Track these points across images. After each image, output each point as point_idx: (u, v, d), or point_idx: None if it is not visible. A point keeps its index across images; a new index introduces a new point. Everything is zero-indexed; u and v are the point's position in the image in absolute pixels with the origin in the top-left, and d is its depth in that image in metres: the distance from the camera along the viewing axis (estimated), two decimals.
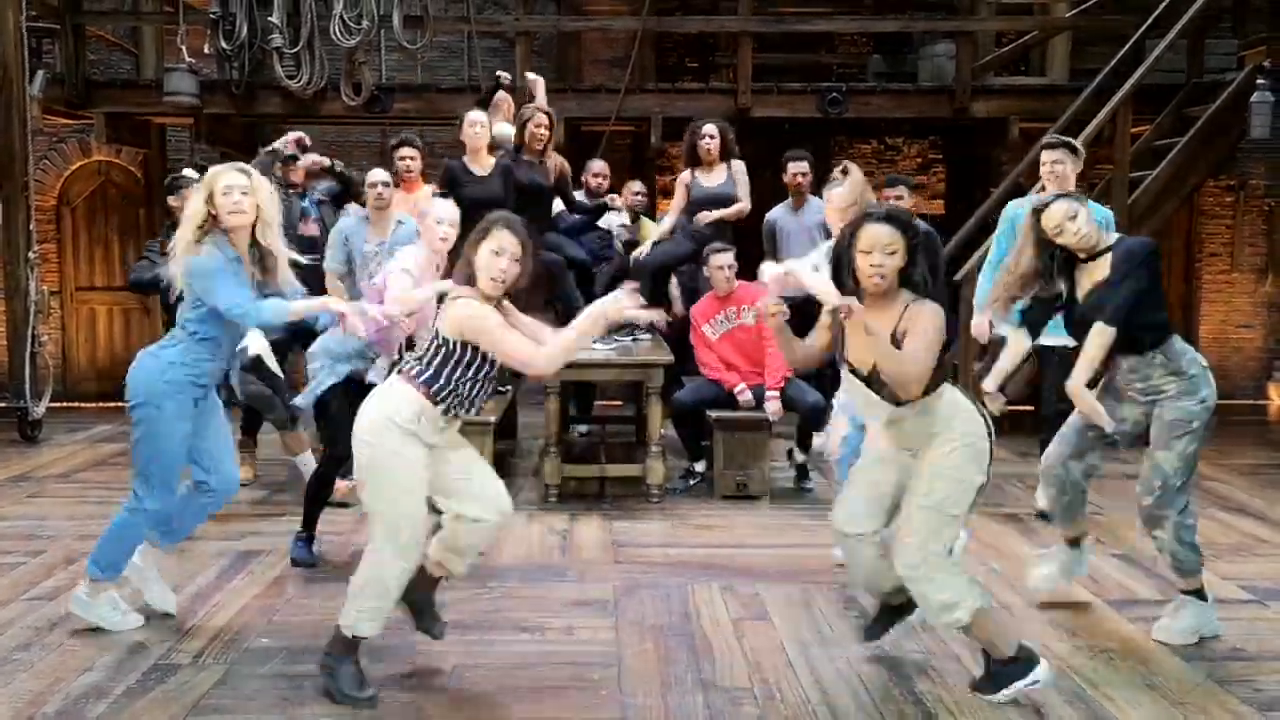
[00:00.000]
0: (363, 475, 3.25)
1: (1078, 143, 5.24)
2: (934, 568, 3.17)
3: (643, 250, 6.52)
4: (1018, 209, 5.44)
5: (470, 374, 3.25)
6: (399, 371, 3.33)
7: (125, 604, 3.90)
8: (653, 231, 7.09)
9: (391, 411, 3.20)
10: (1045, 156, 5.18)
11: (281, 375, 5.50)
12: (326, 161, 6.09)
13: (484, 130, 5.99)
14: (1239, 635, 3.86)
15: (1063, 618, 4.03)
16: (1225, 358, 9.93)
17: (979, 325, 5.57)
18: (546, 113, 6.30)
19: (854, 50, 11.14)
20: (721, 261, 5.73)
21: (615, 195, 7.05)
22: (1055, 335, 5.24)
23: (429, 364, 3.25)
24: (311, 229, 6.00)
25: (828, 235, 6.39)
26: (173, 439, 3.70)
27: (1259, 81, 7.34)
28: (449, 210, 4.30)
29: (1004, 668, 3.23)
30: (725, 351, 5.87)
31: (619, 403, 8.25)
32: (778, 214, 6.55)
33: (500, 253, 3.21)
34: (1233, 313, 9.93)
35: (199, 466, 3.86)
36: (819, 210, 6.40)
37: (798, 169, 6.40)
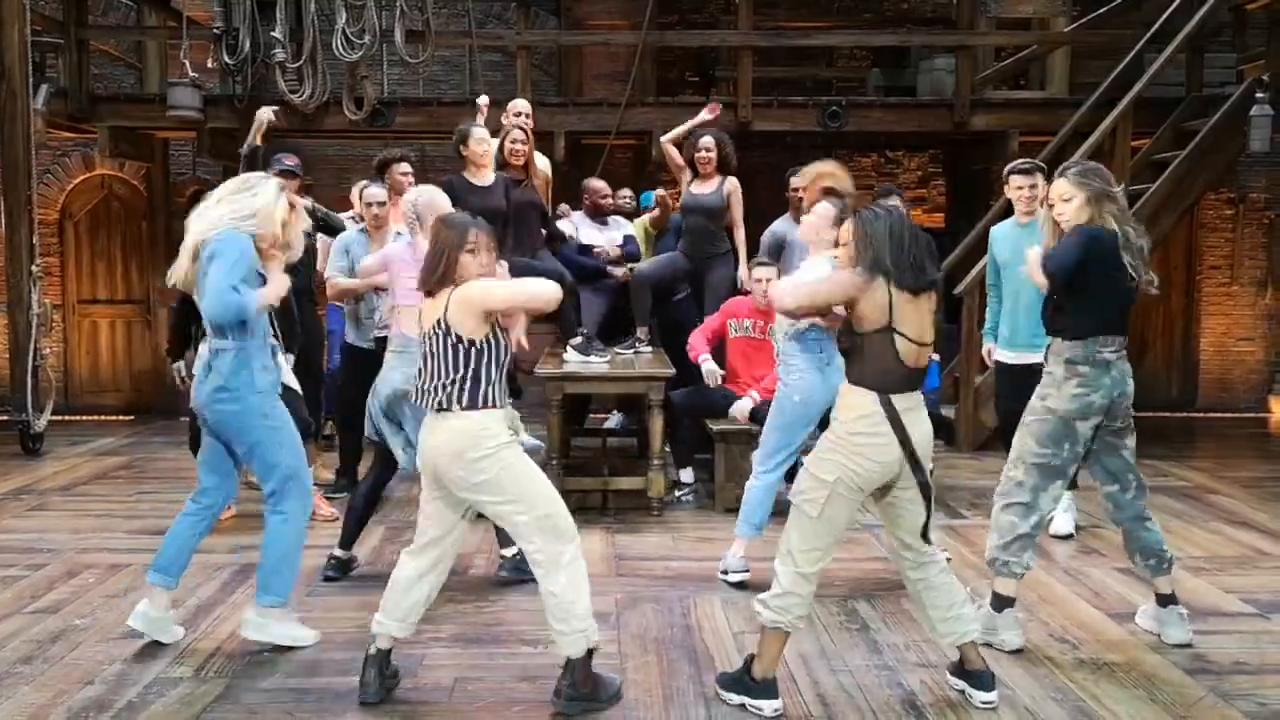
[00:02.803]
0: (508, 498, 3.26)
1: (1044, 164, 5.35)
2: (781, 563, 3.30)
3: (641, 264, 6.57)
4: (992, 237, 5.49)
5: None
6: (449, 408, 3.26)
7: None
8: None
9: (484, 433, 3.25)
10: (1019, 181, 5.21)
11: (299, 388, 5.53)
12: (309, 204, 6.09)
13: (490, 147, 6.02)
14: (1242, 648, 3.86)
15: (1065, 630, 4.03)
16: (1226, 371, 9.94)
17: (985, 350, 5.64)
18: (522, 128, 6.30)
19: (854, 64, 11.19)
20: (760, 275, 5.69)
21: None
22: (1008, 352, 5.28)
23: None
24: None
25: None
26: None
27: (1258, 95, 7.36)
28: (447, 202, 4.32)
29: (751, 680, 3.33)
30: (733, 353, 5.88)
31: (605, 415, 8.22)
32: (783, 227, 6.55)
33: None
34: (1233, 326, 9.95)
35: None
36: None
37: (799, 184, 6.40)
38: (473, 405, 3.23)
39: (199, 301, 3.72)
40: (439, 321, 3.24)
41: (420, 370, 3.34)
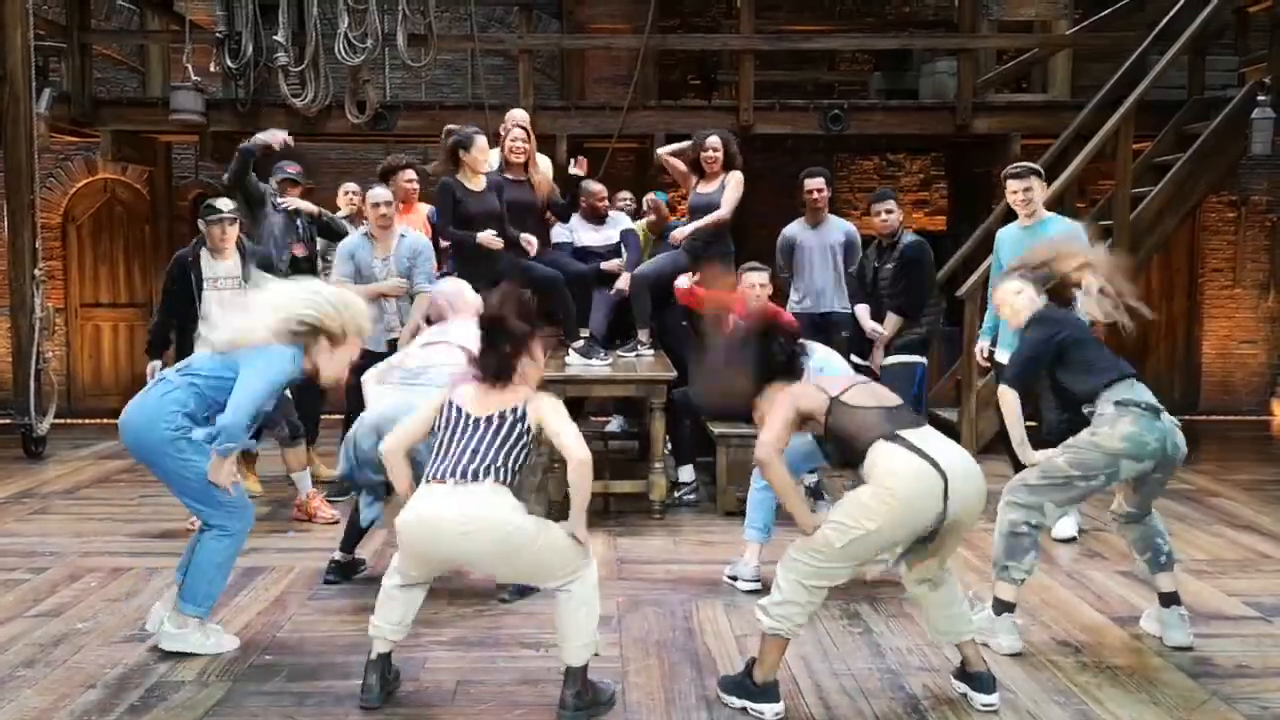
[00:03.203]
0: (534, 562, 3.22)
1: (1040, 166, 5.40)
2: (784, 568, 3.27)
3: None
4: (999, 239, 5.51)
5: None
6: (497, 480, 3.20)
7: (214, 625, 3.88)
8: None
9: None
10: (1014, 185, 5.23)
11: (288, 393, 5.53)
12: (315, 210, 6.23)
13: (489, 158, 6.08)
14: (1244, 651, 3.85)
15: (1067, 633, 4.02)
16: (1229, 373, 9.93)
17: (978, 348, 5.65)
18: (522, 128, 6.35)
19: (856, 67, 11.21)
20: (753, 280, 5.67)
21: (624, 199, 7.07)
22: (1009, 353, 5.27)
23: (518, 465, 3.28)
24: (300, 250, 6.14)
25: (846, 253, 6.43)
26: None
27: (1259, 98, 7.36)
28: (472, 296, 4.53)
29: (752, 684, 3.31)
30: None
31: (604, 419, 8.22)
32: (795, 230, 6.56)
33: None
34: (1236, 328, 9.94)
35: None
36: (839, 228, 6.43)
37: (814, 185, 6.39)
38: (507, 482, 3.22)
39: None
40: (515, 409, 3.26)
41: (457, 442, 3.26)
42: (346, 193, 6.85)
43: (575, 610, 3.24)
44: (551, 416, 3.28)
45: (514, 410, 3.27)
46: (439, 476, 3.20)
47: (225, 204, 5.48)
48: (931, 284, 6.13)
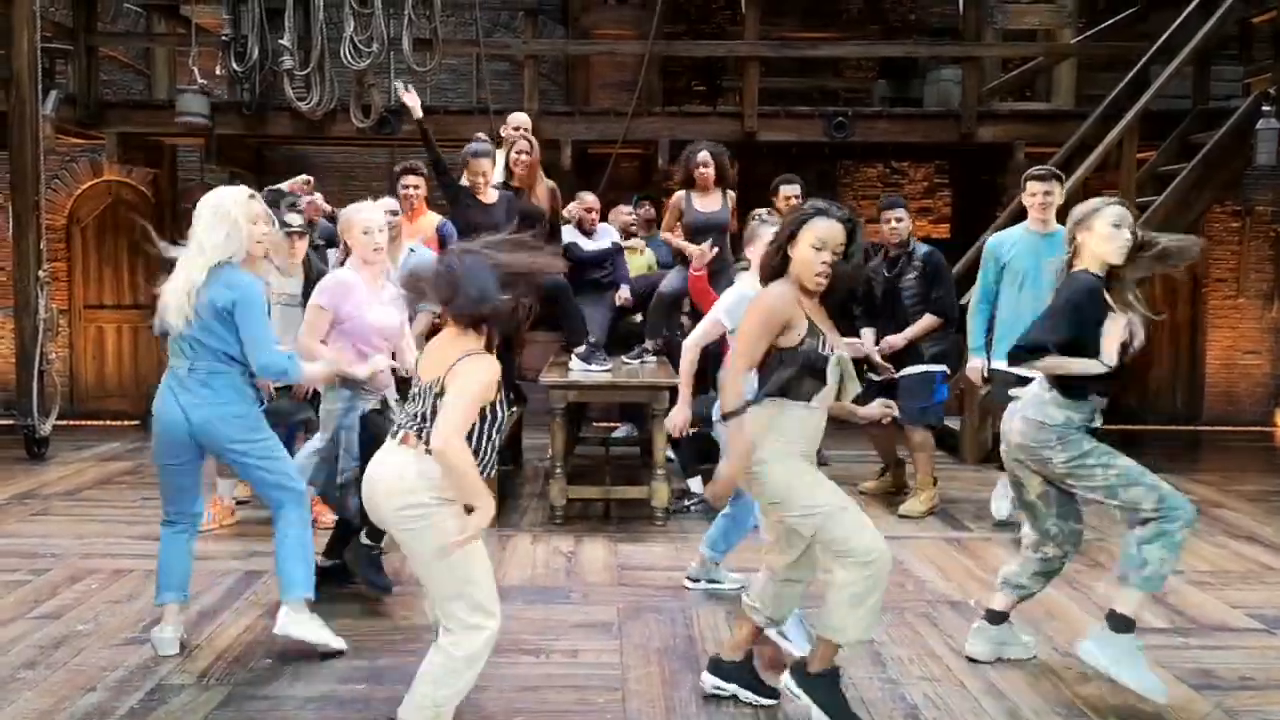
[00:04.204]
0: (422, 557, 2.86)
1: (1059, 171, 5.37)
2: None
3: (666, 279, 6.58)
4: (996, 243, 5.47)
5: (491, 434, 2.89)
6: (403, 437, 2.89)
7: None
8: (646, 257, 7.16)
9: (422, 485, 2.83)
10: (1035, 187, 5.20)
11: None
12: (328, 208, 6.21)
13: (486, 179, 6.09)
14: (1247, 664, 3.84)
15: (1070, 643, 4.01)
16: (1232, 384, 9.92)
17: (974, 368, 5.56)
18: (527, 139, 6.36)
19: (860, 75, 11.22)
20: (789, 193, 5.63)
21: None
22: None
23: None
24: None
25: None
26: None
27: (1264, 108, 7.35)
28: (378, 216, 4.36)
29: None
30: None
31: (615, 425, 8.22)
32: None
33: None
34: (1239, 339, 9.93)
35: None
36: None
37: (790, 192, 6.34)
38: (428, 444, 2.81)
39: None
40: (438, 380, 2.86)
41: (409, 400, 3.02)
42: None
43: (432, 667, 2.89)
44: (455, 381, 2.77)
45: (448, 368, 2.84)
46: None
47: (295, 219, 5.40)
48: (950, 289, 6.02)
